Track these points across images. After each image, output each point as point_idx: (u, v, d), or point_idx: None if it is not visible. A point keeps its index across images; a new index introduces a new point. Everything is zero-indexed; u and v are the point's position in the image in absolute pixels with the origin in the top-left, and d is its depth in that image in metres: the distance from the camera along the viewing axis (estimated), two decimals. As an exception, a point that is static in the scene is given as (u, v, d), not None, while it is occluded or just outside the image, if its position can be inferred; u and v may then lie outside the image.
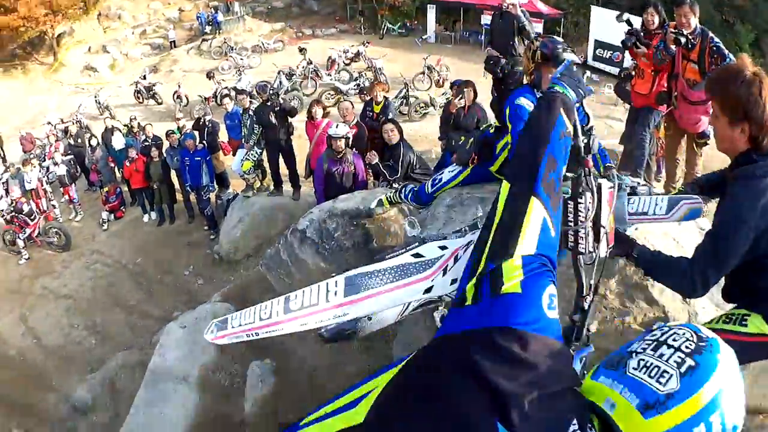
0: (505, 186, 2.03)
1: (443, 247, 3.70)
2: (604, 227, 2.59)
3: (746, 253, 3.11)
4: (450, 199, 6.25)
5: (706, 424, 1.52)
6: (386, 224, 7.56)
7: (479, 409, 1.57)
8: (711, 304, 4.78)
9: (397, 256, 3.88)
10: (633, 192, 4.02)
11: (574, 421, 1.56)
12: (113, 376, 10.56)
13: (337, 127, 9.76)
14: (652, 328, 1.74)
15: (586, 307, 2.66)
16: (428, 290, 3.73)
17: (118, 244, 16.47)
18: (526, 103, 5.40)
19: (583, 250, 2.54)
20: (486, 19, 29.89)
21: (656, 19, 8.23)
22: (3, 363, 13.69)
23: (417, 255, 3.90)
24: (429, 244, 4.04)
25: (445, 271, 3.62)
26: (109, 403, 10.15)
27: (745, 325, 3.40)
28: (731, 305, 3.68)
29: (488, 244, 1.94)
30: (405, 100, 21.43)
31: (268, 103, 12.37)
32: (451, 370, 1.68)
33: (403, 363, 1.94)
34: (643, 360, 1.62)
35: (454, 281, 3.58)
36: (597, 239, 2.58)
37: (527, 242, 1.89)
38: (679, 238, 5.05)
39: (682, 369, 1.55)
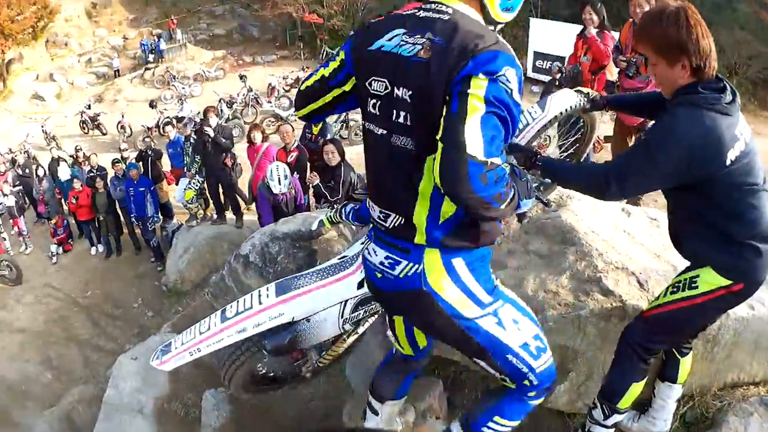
0: None
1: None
2: None
3: (673, 181, 3.12)
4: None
5: None
6: (329, 245, 7.55)
7: None
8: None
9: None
10: None
11: None
12: (70, 411, 10.52)
13: (279, 183, 9.85)
14: None
15: None
16: (361, 284, 3.90)
17: (68, 278, 16.46)
18: None
19: None
20: (427, 38, 30.57)
21: (595, 18, 8.13)
22: None
23: (342, 257, 4.22)
24: (352, 246, 4.40)
25: None
26: None
27: (696, 287, 3.34)
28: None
29: None
30: (345, 124, 21.53)
31: (203, 134, 12.20)
32: None
33: None
34: None
35: None
36: None
37: None
38: (630, 229, 5.00)
39: None
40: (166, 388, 8.45)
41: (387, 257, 2.91)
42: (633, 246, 4.74)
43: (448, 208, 2.68)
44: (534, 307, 3.74)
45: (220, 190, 13.11)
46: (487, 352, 2.96)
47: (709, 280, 3.29)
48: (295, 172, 10.75)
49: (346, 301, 4.00)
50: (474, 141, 2.31)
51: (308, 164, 11.57)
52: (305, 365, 4.87)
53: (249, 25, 41.39)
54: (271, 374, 4.90)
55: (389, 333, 3.87)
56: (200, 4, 43.09)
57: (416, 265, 2.80)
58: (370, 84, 2.71)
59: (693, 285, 3.36)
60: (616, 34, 8.33)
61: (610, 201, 4.81)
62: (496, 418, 3.23)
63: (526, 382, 3.06)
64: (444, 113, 2.42)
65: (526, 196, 2.74)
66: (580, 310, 4.19)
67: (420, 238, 2.76)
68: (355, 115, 22.00)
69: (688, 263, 3.56)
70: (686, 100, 3.01)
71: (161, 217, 15.52)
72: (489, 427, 3.24)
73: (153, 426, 7.94)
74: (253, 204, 12.49)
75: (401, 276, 2.85)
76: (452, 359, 4.90)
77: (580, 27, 8.56)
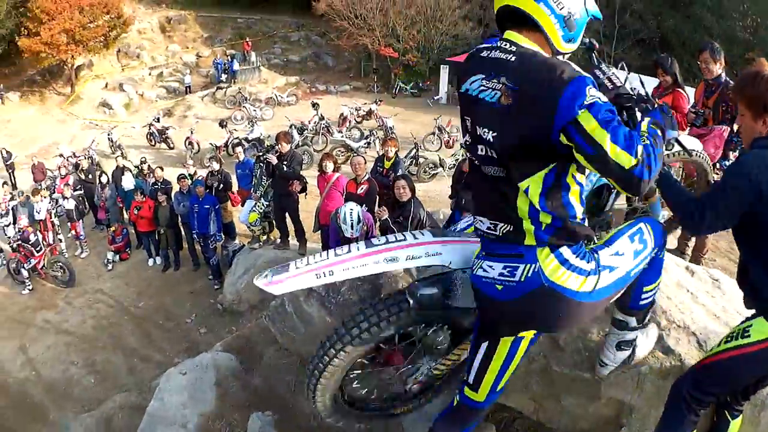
0: None
1: None
2: None
3: (745, 219, 3.27)
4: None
5: None
6: (394, 280, 7.14)
7: None
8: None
9: None
10: None
11: None
12: (110, 417, 10.43)
13: (352, 228, 9.43)
14: None
15: None
16: None
17: (122, 286, 16.44)
18: None
19: None
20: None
21: (669, 78, 8.17)
22: (0, 392, 13.68)
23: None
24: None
25: None
26: None
27: (748, 335, 3.42)
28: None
29: None
30: (414, 160, 21.26)
31: (265, 161, 12.27)
32: None
33: None
34: None
35: None
36: None
37: None
38: (693, 288, 5.00)
39: None
40: (212, 406, 8.27)
41: (505, 267, 3.11)
42: (695, 306, 4.75)
43: (545, 218, 2.95)
44: (594, 360, 4.21)
45: (286, 215, 12.86)
46: (618, 292, 3.33)
47: (762, 329, 3.37)
48: (364, 205, 10.39)
49: None
50: (622, 156, 2.56)
51: (377, 198, 11.34)
52: (411, 375, 4.26)
53: (324, 53, 41.73)
54: (365, 390, 4.40)
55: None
56: (275, 29, 43.56)
57: (533, 265, 3.02)
58: (463, 120, 3.06)
59: (746, 334, 3.44)
60: (689, 89, 8.37)
61: (696, 231, 5.12)
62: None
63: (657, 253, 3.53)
64: (582, 156, 2.65)
65: (671, 128, 3.06)
66: (641, 366, 4.25)
67: (530, 240, 3.01)
68: (425, 153, 22.17)
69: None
70: (756, 144, 3.34)
71: (223, 236, 15.43)
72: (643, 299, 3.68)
73: None
74: (318, 232, 12.12)
75: (523, 279, 3.05)
76: (505, 404, 4.96)
77: (657, 80, 8.52)
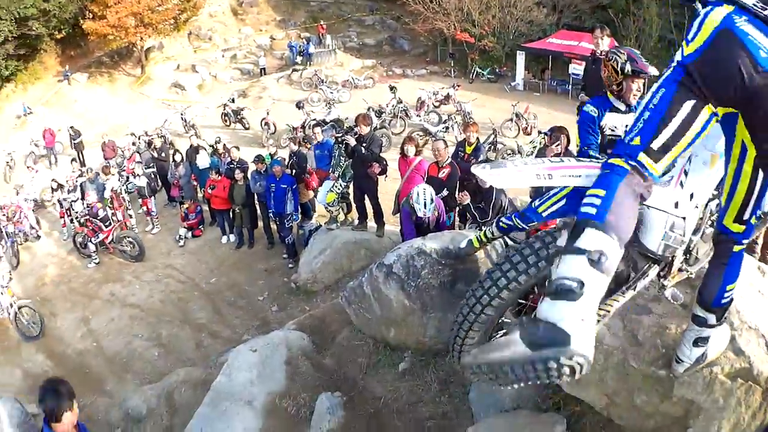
0: None
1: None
2: None
3: None
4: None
5: None
6: (475, 266, 7.29)
7: None
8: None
9: None
10: None
11: None
12: (172, 390, 10.21)
13: (425, 207, 9.41)
14: None
15: None
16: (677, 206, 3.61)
17: (194, 262, 16.46)
18: (591, 109, 6.57)
19: None
20: (574, 68, 30.13)
21: None
22: (58, 360, 13.78)
23: None
24: None
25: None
26: (165, 416, 9.79)
27: None
28: None
29: None
30: (493, 146, 20.95)
31: (343, 142, 12.26)
32: None
33: None
34: None
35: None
36: None
37: None
38: (764, 289, 4.91)
39: None
40: (281, 384, 8.18)
41: None
42: (766, 306, 4.67)
43: None
44: (671, 357, 4.17)
45: (365, 197, 12.83)
46: None
47: None
48: (445, 189, 10.52)
49: (669, 218, 3.55)
50: None
51: (458, 183, 11.17)
52: None
53: (399, 38, 41.47)
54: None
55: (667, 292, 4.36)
56: (349, 12, 43.49)
57: None
58: None
59: None
60: None
61: None
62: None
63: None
64: None
65: None
66: (712, 366, 4.17)
67: None
68: (503, 139, 22.06)
69: None
70: None
71: (300, 215, 15.27)
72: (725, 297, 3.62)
73: (260, 419, 7.67)
74: (397, 215, 11.81)
75: None
76: (578, 397, 4.97)
77: None
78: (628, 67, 5.99)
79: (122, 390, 11.92)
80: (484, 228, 7.41)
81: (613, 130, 6.49)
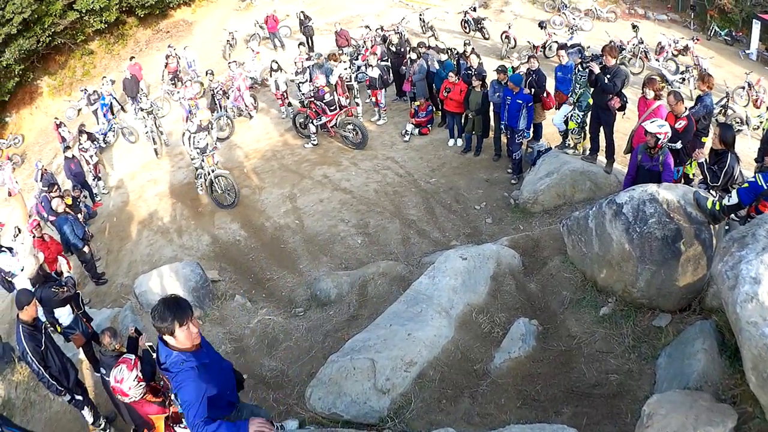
0: None
1: None
2: None
3: None
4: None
5: None
6: (698, 230, 7.02)
7: None
8: None
9: None
10: None
11: None
12: (368, 280, 10.40)
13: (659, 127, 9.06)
14: None
15: None
16: None
17: (415, 159, 16.43)
18: None
19: None
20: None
21: None
22: (254, 232, 14.24)
23: None
24: None
25: None
26: (353, 304, 10.03)
27: None
28: None
29: None
30: (723, 110, 19.89)
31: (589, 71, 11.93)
32: None
33: None
34: None
35: None
36: None
37: None
38: None
39: None
40: (482, 299, 8.23)
41: None
42: None
43: None
44: None
45: (601, 129, 12.54)
46: None
47: None
48: (679, 141, 9.98)
49: None
50: None
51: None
52: None
53: (641, -22, 39.41)
54: None
55: None
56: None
57: None
58: None
59: None
60: None
61: None
62: None
63: None
64: None
65: None
66: None
67: None
68: (734, 105, 20.95)
69: None
70: None
71: (531, 134, 14.83)
72: None
73: (452, 328, 7.70)
74: (628, 155, 11.37)
75: None
76: (757, 397, 4.80)
77: None
78: None
79: (314, 270, 12.20)
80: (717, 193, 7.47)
81: None
